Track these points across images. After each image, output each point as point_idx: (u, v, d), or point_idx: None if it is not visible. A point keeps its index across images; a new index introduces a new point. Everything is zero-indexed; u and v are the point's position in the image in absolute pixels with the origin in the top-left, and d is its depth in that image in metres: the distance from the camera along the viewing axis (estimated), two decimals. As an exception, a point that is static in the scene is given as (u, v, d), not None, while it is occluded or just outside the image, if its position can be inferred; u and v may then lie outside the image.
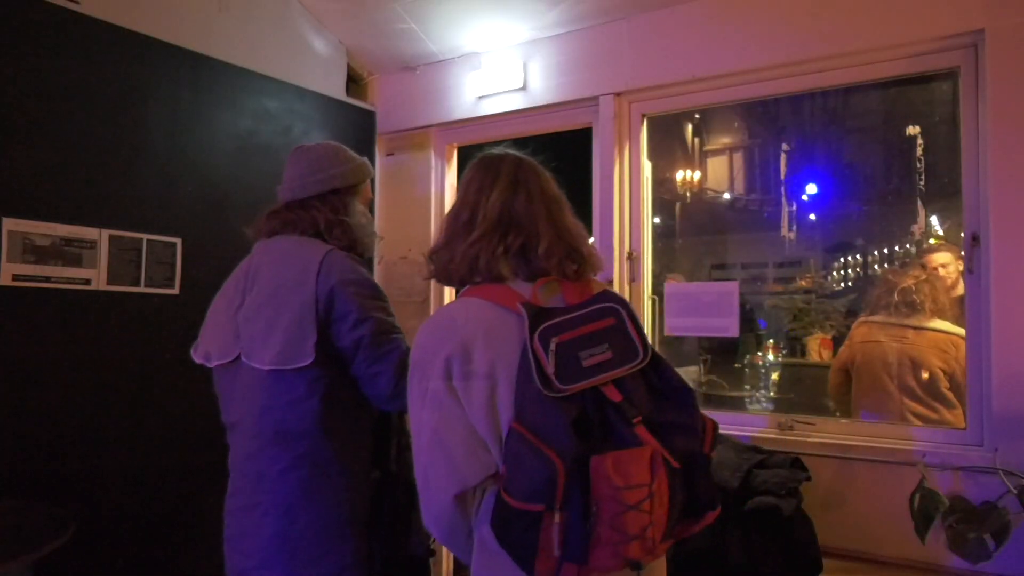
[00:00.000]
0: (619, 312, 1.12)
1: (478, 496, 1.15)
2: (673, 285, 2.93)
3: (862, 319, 3.01)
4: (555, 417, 1.03)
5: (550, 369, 1.05)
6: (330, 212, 1.72)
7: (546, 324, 1.09)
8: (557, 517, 1.01)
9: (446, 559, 3.37)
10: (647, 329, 2.84)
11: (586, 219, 3.03)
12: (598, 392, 1.07)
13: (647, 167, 2.91)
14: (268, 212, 1.80)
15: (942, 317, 2.72)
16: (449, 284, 1.29)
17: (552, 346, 1.06)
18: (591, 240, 1.43)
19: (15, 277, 2.17)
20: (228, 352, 1.66)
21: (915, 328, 2.75)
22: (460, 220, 1.29)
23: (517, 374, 1.09)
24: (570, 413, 1.04)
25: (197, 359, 1.77)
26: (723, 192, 5.74)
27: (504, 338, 1.12)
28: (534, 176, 1.31)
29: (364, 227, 1.80)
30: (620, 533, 1.01)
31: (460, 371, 1.13)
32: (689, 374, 4.22)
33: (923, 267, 2.89)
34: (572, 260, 1.23)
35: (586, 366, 1.07)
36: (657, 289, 2.95)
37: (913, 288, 2.76)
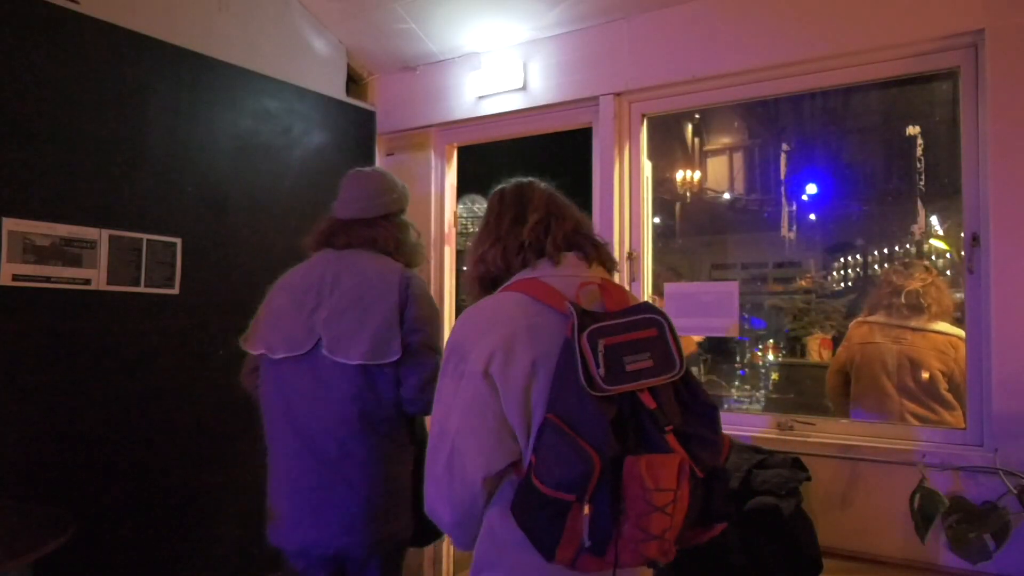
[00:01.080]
0: (662, 324, 1.17)
1: (496, 484, 1.19)
2: (673, 285, 2.93)
3: (860, 319, 3.01)
4: (596, 415, 1.07)
5: (599, 371, 1.09)
6: (396, 231, 2.06)
7: (594, 326, 1.13)
8: (586, 509, 1.06)
9: (447, 558, 3.37)
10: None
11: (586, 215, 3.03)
12: (635, 397, 1.11)
13: (647, 167, 2.91)
14: (329, 226, 2.11)
15: (945, 320, 2.72)
16: (498, 282, 1.34)
17: (601, 348, 1.10)
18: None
19: (15, 277, 2.17)
20: (300, 346, 1.88)
21: (914, 329, 2.75)
22: (505, 220, 1.36)
23: (556, 370, 1.13)
24: (609, 413, 1.08)
25: (255, 350, 1.96)
26: (723, 192, 5.74)
27: (547, 335, 1.17)
28: (562, 200, 1.41)
29: (416, 246, 2.13)
30: (643, 532, 1.07)
31: (501, 363, 1.17)
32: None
33: (927, 269, 2.88)
34: (609, 259, 1.36)
35: (629, 370, 1.11)
36: (658, 289, 2.95)
37: (920, 291, 2.76)
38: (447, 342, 1.27)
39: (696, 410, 1.17)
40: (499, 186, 1.47)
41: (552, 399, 1.13)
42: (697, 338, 2.70)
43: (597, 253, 1.34)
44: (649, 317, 1.17)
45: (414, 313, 1.88)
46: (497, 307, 1.25)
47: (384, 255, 2.01)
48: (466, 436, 1.17)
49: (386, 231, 2.03)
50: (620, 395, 1.10)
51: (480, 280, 1.36)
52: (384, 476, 1.86)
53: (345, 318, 1.85)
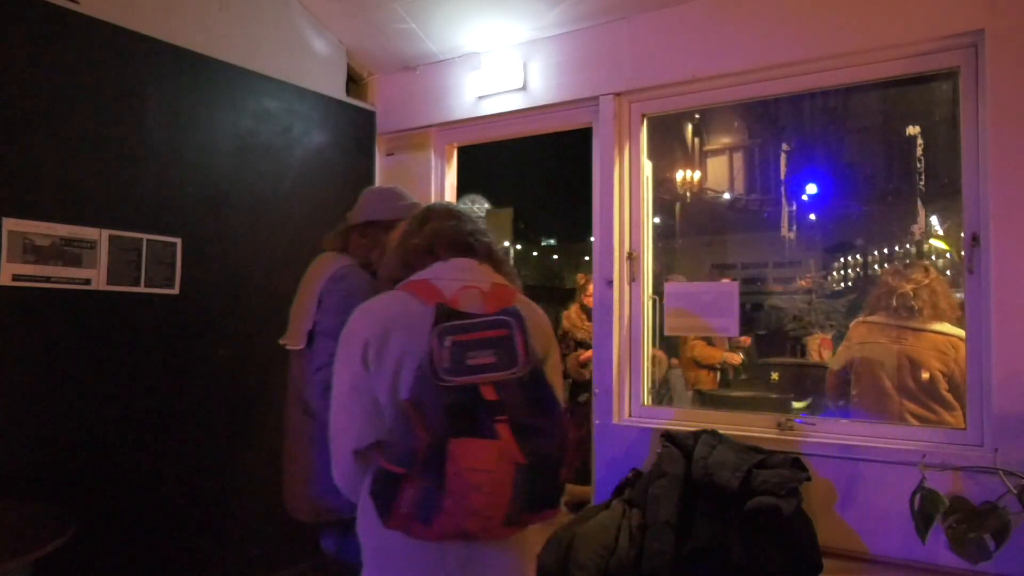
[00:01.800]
0: (511, 325, 1.27)
1: (367, 456, 1.35)
2: (673, 285, 2.93)
3: (860, 319, 3.01)
4: (435, 401, 1.23)
5: (443, 363, 1.23)
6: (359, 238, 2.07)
7: (447, 324, 1.27)
8: (415, 483, 1.22)
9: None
10: (647, 329, 2.85)
11: (586, 218, 3.03)
12: (477, 389, 1.24)
13: (647, 167, 2.91)
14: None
15: (945, 320, 2.71)
16: (391, 284, 1.48)
17: (448, 343, 1.24)
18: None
19: (15, 277, 2.17)
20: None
21: (914, 330, 2.75)
22: (409, 232, 1.52)
23: (420, 360, 1.28)
24: (447, 401, 1.23)
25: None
26: (723, 192, 5.74)
27: (419, 329, 1.29)
28: (467, 216, 1.54)
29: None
30: (461, 507, 1.21)
31: (376, 352, 1.33)
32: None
33: (926, 270, 2.88)
34: (507, 264, 1.51)
35: (470, 364, 1.24)
36: (657, 289, 2.95)
37: (912, 294, 2.75)
38: (344, 330, 1.40)
39: (541, 404, 1.28)
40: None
41: (412, 385, 1.27)
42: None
43: (488, 255, 1.46)
44: (502, 319, 1.28)
45: (326, 303, 1.91)
46: (382, 303, 1.40)
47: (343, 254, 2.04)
48: (341, 413, 1.36)
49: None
50: (461, 385, 1.23)
51: (390, 281, 1.49)
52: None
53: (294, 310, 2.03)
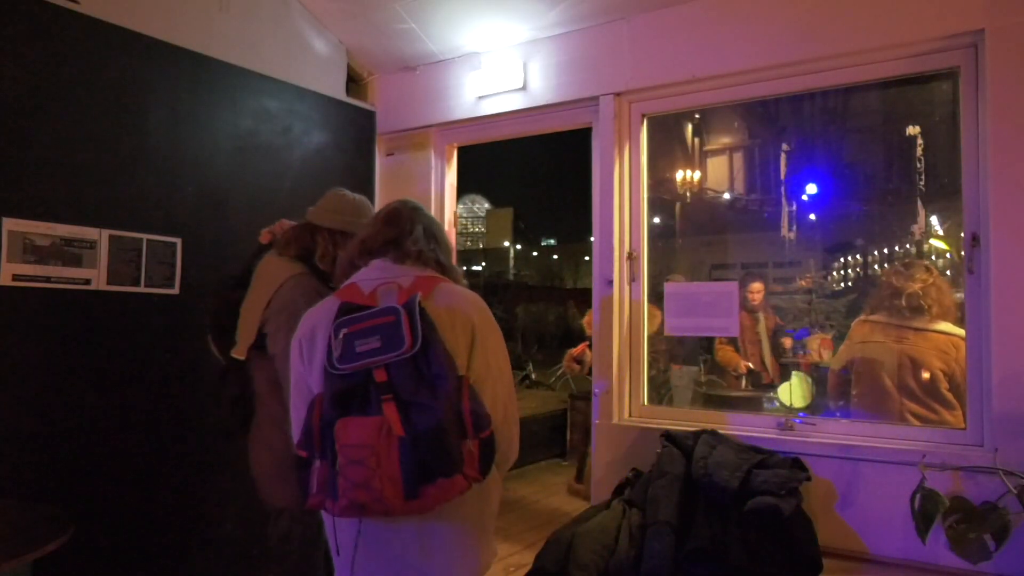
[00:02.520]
0: (399, 311, 1.37)
1: None
2: (673, 285, 2.93)
3: (863, 318, 3.01)
4: (329, 388, 1.38)
5: (336, 353, 1.36)
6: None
7: (344, 318, 1.40)
8: (317, 463, 1.37)
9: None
10: (644, 328, 2.85)
11: (586, 218, 3.03)
12: (368, 373, 1.35)
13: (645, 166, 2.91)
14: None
15: (947, 320, 2.71)
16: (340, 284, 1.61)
17: (341, 335, 1.37)
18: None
19: (15, 277, 2.17)
20: None
21: (916, 329, 2.75)
22: (355, 243, 1.64)
23: (324, 354, 1.41)
24: (338, 386, 1.36)
25: None
26: (723, 192, 5.74)
27: (329, 327, 1.42)
28: (414, 209, 1.66)
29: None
30: (348, 481, 1.31)
31: (308, 349, 1.49)
32: (689, 374, 4.23)
33: (928, 270, 2.88)
34: (437, 254, 1.60)
35: (358, 351, 1.35)
36: (656, 289, 2.94)
37: (920, 292, 2.75)
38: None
39: (428, 382, 1.35)
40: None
41: (319, 377, 1.42)
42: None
43: (415, 255, 1.56)
44: (390, 308, 1.39)
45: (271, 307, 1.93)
46: (316, 307, 1.55)
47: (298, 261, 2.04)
48: (293, 403, 1.54)
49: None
50: (353, 371, 1.35)
51: (339, 281, 1.62)
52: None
53: None
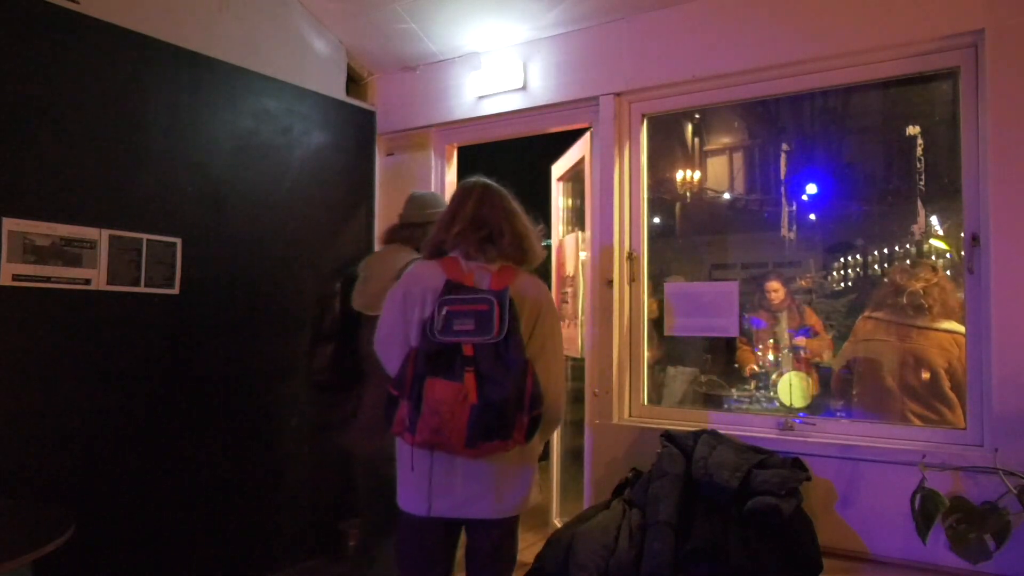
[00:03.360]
0: (492, 302, 1.71)
1: None
2: (673, 285, 2.93)
3: (866, 314, 3.01)
4: (425, 349, 1.74)
5: (438, 325, 1.72)
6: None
7: (447, 296, 1.74)
8: (404, 404, 1.74)
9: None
10: (644, 328, 2.85)
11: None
12: (459, 346, 1.71)
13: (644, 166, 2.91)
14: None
15: (950, 319, 2.71)
16: (431, 257, 1.92)
17: (443, 311, 1.72)
18: (544, 242, 2.09)
19: (15, 277, 2.17)
20: None
21: (919, 327, 2.75)
22: (444, 220, 1.93)
23: (425, 319, 1.76)
24: (432, 350, 1.73)
25: None
26: (723, 192, 5.73)
27: (432, 293, 1.77)
28: (497, 196, 1.92)
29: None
30: (426, 424, 1.69)
31: (408, 303, 1.81)
32: (689, 374, 4.22)
33: (933, 269, 2.88)
34: (520, 250, 1.89)
35: (455, 329, 1.72)
36: (655, 289, 2.94)
37: (922, 292, 2.75)
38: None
39: (505, 364, 1.70)
40: (462, 183, 2.00)
41: (417, 335, 1.78)
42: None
43: (499, 253, 1.86)
44: (487, 298, 1.73)
45: None
46: (419, 269, 1.88)
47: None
48: (384, 345, 1.88)
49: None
50: (447, 342, 1.71)
51: (428, 247, 1.95)
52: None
53: None
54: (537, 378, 1.76)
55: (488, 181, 1.98)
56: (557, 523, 3.55)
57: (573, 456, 3.95)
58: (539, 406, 1.75)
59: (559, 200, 3.97)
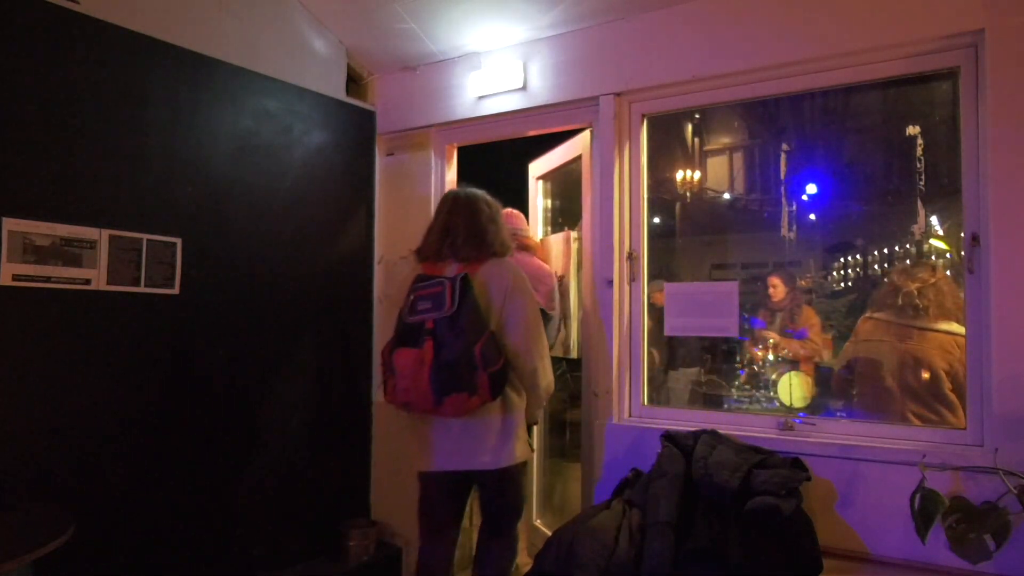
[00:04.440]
0: (445, 284, 2.16)
1: None
2: (673, 285, 2.93)
3: (867, 315, 3.01)
4: (399, 328, 2.24)
5: (406, 308, 2.23)
6: None
7: (414, 286, 2.24)
8: (388, 376, 2.22)
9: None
10: (644, 328, 2.85)
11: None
12: (424, 322, 2.16)
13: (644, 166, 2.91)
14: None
15: (951, 319, 2.71)
16: (418, 261, 2.40)
17: (411, 297, 2.22)
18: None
19: (15, 277, 2.17)
20: None
21: (920, 328, 2.75)
22: (428, 229, 2.44)
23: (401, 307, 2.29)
24: (401, 329, 2.23)
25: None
26: (723, 192, 5.73)
27: (410, 286, 2.28)
28: (464, 203, 2.37)
29: None
30: (399, 385, 2.16)
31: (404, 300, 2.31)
32: (688, 375, 4.23)
33: (933, 269, 2.88)
34: (478, 249, 2.30)
35: (419, 309, 2.18)
36: (654, 289, 2.94)
37: (917, 293, 2.75)
38: None
39: (456, 331, 2.10)
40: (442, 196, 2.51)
41: (396, 320, 2.27)
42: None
43: (465, 252, 2.29)
44: (439, 280, 2.18)
45: None
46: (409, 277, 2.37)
47: None
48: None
49: None
50: (413, 321, 2.18)
51: (416, 253, 2.44)
52: None
53: None
54: (493, 341, 2.14)
55: (458, 191, 2.41)
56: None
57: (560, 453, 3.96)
58: (493, 364, 2.10)
59: (538, 200, 3.99)
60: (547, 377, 2.32)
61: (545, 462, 3.96)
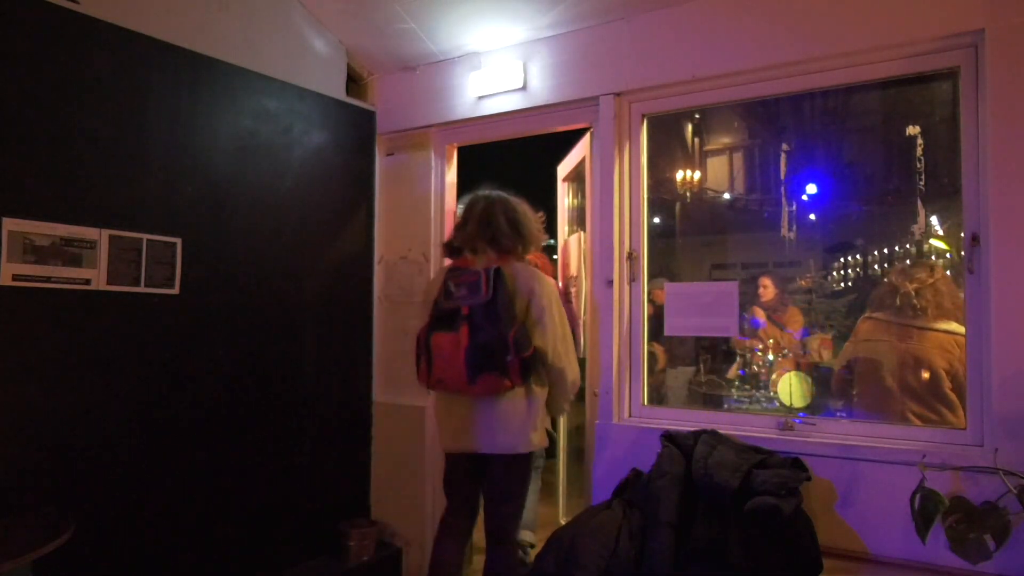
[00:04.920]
0: (480, 274, 2.28)
1: None
2: (673, 285, 2.93)
3: (867, 314, 3.01)
4: (435, 313, 2.37)
5: (442, 295, 2.35)
6: None
7: (449, 274, 2.37)
8: (423, 358, 2.34)
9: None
10: (644, 328, 2.85)
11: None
12: (458, 308, 2.29)
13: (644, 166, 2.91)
14: None
15: (951, 319, 2.71)
16: (451, 257, 2.53)
17: (447, 285, 2.35)
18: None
19: (15, 277, 2.17)
20: None
21: (919, 328, 2.75)
22: (458, 225, 2.55)
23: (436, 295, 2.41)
24: (438, 314, 2.35)
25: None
26: (723, 192, 5.74)
27: (443, 276, 2.41)
28: (498, 202, 2.47)
29: None
30: (436, 367, 2.30)
31: (429, 291, 2.51)
32: (686, 373, 4.23)
33: (932, 269, 2.88)
34: (512, 242, 2.43)
35: (454, 296, 2.31)
36: (653, 289, 2.94)
37: (914, 293, 2.76)
38: None
39: (491, 318, 2.24)
40: (471, 196, 2.56)
41: (431, 307, 2.41)
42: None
43: (499, 247, 2.41)
44: (476, 271, 2.30)
45: None
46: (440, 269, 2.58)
47: None
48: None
49: None
50: (449, 307, 2.31)
51: (445, 248, 2.59)
52: None
53: None
54: (524, 330, 2.28)
55: (489, 192, 2.50)
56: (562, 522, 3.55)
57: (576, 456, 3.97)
58: (525, 349, 2.25)
59: (564, 200, 3.99)
60: (573, 372, 2.44)
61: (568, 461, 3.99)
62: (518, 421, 2.34)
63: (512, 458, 2.37)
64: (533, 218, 2.50)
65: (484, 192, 2.51)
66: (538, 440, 2.40)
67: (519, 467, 2.40)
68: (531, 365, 2.28)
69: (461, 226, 2.48)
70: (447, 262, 2.55)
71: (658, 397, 3.39)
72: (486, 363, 2.21)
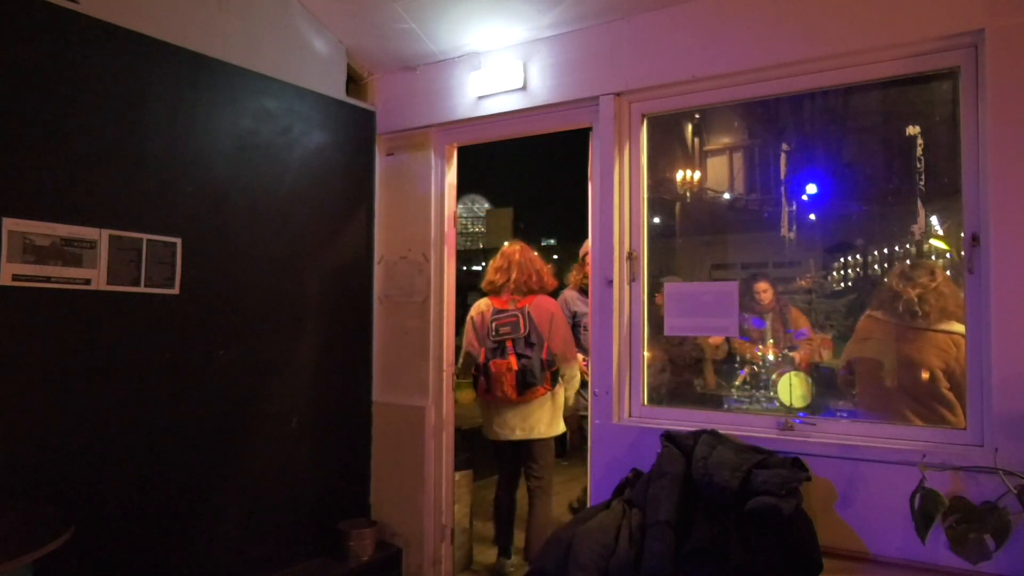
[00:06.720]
0: (518, 315, 3.43)
1: None
2: (673, 285, 2.93)
3: (868, 313, 3.01)
4: (488, 346, 3.48)
5: (490, 332, 3.48)
6: None
7: (494, 317, 3.50)
8: (482, 377, 3.47)
9: (446, 558, 3.37)
10: (644, 328, 2.85)
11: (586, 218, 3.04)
12: (505, 341, 3.41)
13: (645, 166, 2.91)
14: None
15: (951, 320, 2.71)
16: (488, 294, 3.61)
17: (493, 324, 3.48)
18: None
19: (15, 277, 2.18)
20: None
21: (917, 329, 2.75)
22: (500, 270, 3.63)
23: (485, 330, 3.50)
24: (489, 346, 3.47)
25: None
26: (723, 192, 5.73)
27: (489, 314, 3.54)
28: (522, 253, 3.65)
29: None
30: (494, 386, 3.40)
31: (480, 324, 3.60)
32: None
33: (932, 272, 2.88)
34: (533, 287, 3.58)
35: (500, 332, 3.45)
36: (654, 289, 2.94)
37: (917, 299, 2.75)
38: None
39: (529, 345, 3.37)
40: (507, 247, 3.72)
41: (482, 340, 3.51)
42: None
43: (527, 289, 3.57)
44: (514, 313, 3.45)
45: None
46: (481, 304, 3.65)
47: None
48: (469, 347, 3.65)
49: None
50: (496, 341, 3.44)
51: (486, 286, 3.74)
52: None
53: None
54: (551, 352, 3.42)
55: (515, 246, 3.66)
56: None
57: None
58: (553, 366, 3.41)
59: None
60: (572, 370, 3.58)
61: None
62: (546, 417, 3.48)
63: (543, 440, 3.50)
64: (543, 267, 3.66)
65: (512, 247, 3.64)
66: (560, 427, 3.57)
67: (548, 446, 3.54)
68: (557, 375, 3.45)
69: (504, 269, 3.56)
70: (490, 300, 3.60)
71: (657, 396, 3.40)
72: (531, 380, 3.33)
